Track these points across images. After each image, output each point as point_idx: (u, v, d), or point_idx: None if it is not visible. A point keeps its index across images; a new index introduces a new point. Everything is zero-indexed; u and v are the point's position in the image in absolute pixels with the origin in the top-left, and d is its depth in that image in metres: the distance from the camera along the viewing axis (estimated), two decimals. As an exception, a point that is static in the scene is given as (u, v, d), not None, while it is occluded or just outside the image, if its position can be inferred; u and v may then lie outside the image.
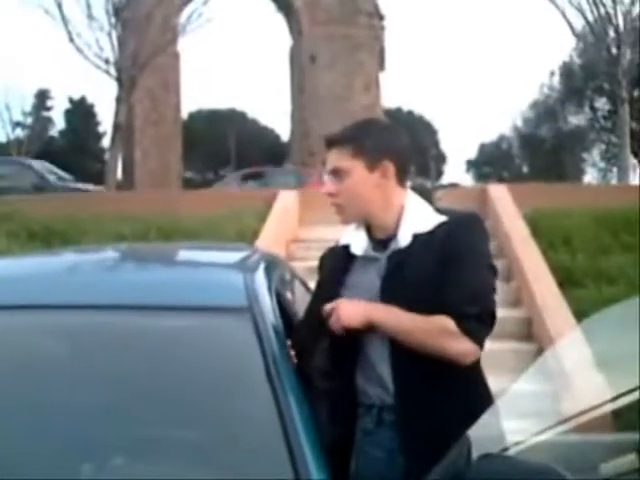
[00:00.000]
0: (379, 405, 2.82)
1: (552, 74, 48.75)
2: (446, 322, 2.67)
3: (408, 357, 2.73)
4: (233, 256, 3.93)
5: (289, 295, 3.51)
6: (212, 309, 2.82)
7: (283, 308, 3.03)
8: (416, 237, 2.83)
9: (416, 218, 2.87)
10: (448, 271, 2.72)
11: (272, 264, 3.59)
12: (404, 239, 2.84)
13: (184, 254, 4.12)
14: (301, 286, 4.20)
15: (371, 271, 2.89)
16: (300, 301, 3.65)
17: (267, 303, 2.88)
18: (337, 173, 2.90)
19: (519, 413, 2.44)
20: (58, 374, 2.70)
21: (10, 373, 2.72)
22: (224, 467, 2.36)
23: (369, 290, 2.85)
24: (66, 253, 4.49)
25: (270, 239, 11.04)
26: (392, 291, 2.78)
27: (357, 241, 2.97)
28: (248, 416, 2.51)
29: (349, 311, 2.76)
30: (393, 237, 2.87)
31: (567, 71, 46.22)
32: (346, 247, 3.00)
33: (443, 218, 2.85)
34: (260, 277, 3.13)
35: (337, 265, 3.00)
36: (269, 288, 3.05)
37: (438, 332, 2.67)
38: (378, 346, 2.81)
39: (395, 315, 2.73)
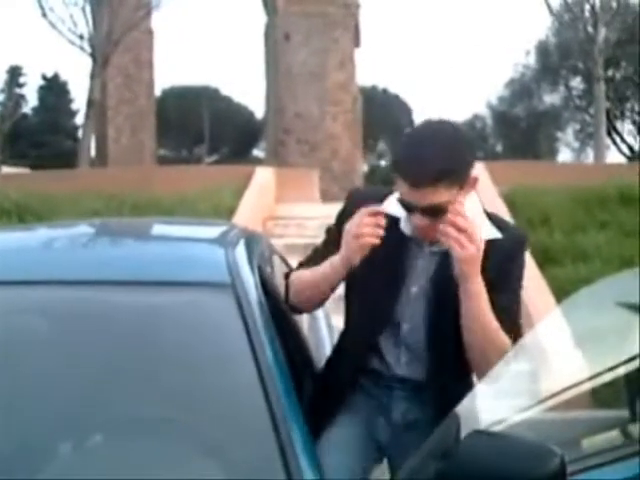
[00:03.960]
0: (388, 375, 2.87)
1: (527, 53, 48.72)
2: (508, 344, 2.65)
3: (444, 337, 2.77)
4: (213, 231, 3.89)
5: (270, 271, 3.47)
6: (194, 284, 2.79)
7: (265, 284, 2.99)
8: None
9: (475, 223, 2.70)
10: (495, 290, 2.65)
11: (252, 240, 3.56)
12: None
13: (163, 229, 4.07)
14: (281, 263, 4.17)
15: (438, 263, 2.79)
16: (280, 277, 3.62)
17: (249, 279, 2.85)
18: (434, 209, 2.59)
19: (502, 392, 2.43)
20: (36, 351, 2.66)
21: None
22: (207, 444, 2.33)
23: (418, 277, 2.81)
24: (43, 228, 4.43)
25: (247, 216, 11.00)
26: (445, 287, 2.71)
27: (404, 220, 2.78)
28: (232, 392, 2.48)
29: (476, 241, 2.55)
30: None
31: (543, 50, 46.19)
32: (390, 216, 2.75)
33: (498, 234, 2.76)
34: (241, 253, 3.10)
35: (389, 236, 2.72)
36: (250, 264, 3.01)
37: (498, 346, 2.62)
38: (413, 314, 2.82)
39: (485, 302, 2.63)
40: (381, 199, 2.83)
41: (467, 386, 2.75)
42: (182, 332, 2.69)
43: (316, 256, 3.03)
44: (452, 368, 2.81)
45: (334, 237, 2.92)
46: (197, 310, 2.76)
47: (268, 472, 2.20)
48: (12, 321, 2.80)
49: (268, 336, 2.57)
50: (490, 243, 2.66)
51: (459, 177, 2.60)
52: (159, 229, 4.10)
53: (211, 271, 2.90)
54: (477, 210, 2.77)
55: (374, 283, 2.81)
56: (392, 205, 2.78)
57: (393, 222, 2.75)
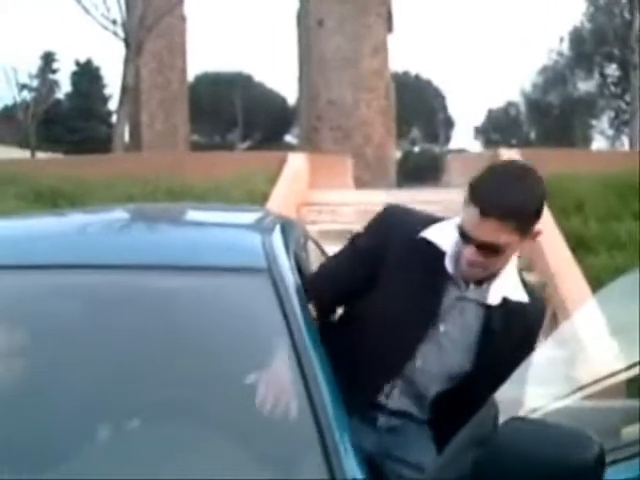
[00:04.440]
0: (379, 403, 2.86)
1: (562, 39, 48.39)
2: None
3: (450, 383, 2.80)
4: (249, 217, 3.89)
5: (305, 256, 3.47)
6: (231, 269, 2.78)
7: (300, 269, 2.98)
8: (504, 300, 2.71)
9: (507, 280, 2.71)
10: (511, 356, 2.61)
11: (287, 226, 3.55)
12: (495, 297, 2.70)
13: (199, 215, 4.07)
14: (316, 248, 4.16)
15: (469, 309, 2.76)
16: (316, 263, 3.62)
17: (285, 264, 2.84)
18: (492, 246, 2.56)
19: (538, 379, 2.41)
20: (73, 334, 2.67)
21: (21, 333, 2.68)
22: (243, 429, 2.32)
23: (469, 331, 2.77)
24: (80, 213, 4.44)
25: (280, 202, 10.98)
26: (492, 345, 2.71)
27: (450, 257, 2.72)
28: (275, 376, 2.46)
29: None
30: (480, 285, 2.71)
31: (577, 36, 45.87)
32: (433, 246, 2.73)
33: (526, 298, 2.75)
34: (277, 238, 3.09)
35: (429, 269, 2.74)
36: (286, 249, 3.01)
37: None
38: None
39: None
40: (422, 225, 2.80)
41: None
42: (219, 317, 2.70)
43: (339, 272, 3.00)
44: (444, 413, 2.80)
45: (361, 255, 2.91)
46: (234, 295, 2.76)
47: (305, 458, 2.19)
48: (48, 305, 2.80)
49: (305, 321, 2.56)
50: (517, 305, 2.70)
51: (527, 223, 2.57)
52: (195, 214, 4.11)
53: (248, 256, 2.90)
54: (512, 269, 2.74)
55: (405, 316, 2.74)
56: (441, 236, 2.74)
57: (438, 255, 2.72)
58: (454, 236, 2.66)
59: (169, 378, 2.48)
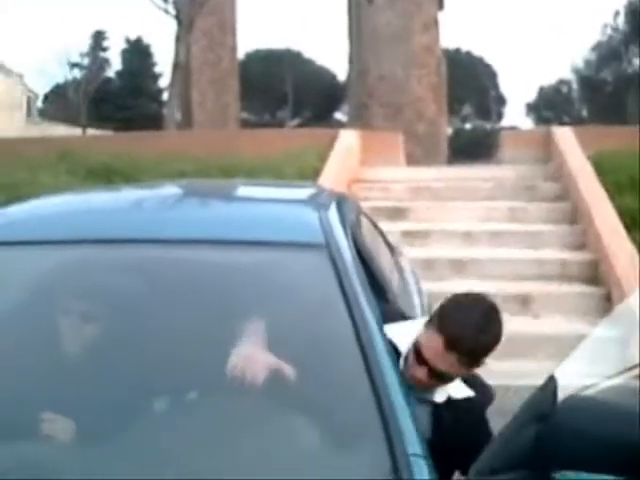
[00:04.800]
0: None
1: (617, 14, 47.84)
2: None
3: None
4: (304, 193, 3.88)
5: (361, 232, 3.44)
6: (289, 245, 2.78)
7: (357, 245, 2.95)
8: (449, 399, 2.74)
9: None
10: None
11: (342, 202, 3.53)
12: (440, 396, 2.73)
13: (256, 191, 4.07)
14: (370, 224, 4.14)
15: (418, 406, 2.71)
16: (370, 238, 3.60)
17: (342, 239, 2.84)
18: (444, 375, 2.63)
19: (592, 358, 2.38)
20: (131, 308, 2.69)
21: (82, 307, 2.68)
22: (305, 403, 2.32)
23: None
24: (149, 188, 4.43)
25: (331, 179, 10.93)
26: (445, 441, 2.63)
27: (403, 358, 2.72)
28: (330, 352, 2.46)
29: None
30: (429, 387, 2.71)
31: (633, 11, 45.26)
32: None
33: (470, 392, 2.77)
34: (333, 214, 3.09)
35: None
36: (343, 225, 2.99)
37: None
38: None
39: None
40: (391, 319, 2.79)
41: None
42: (278, 292, 2.70)
43: None
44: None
45: None
46: (292, 271, 2.76)
47: (366, 430, 2.17)
48: (105, 279, 2.80)
49: (364, 296, 2.55)
50: (463, 401, 2.73)
51: (484, 359, 2.65)
52: (252, 190, 4.11)
53: (306, 232, 2.90)
54: None
55: None
56: (401, 336, 2.73)
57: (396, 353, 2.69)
58: (412, 338, 2.67)
59: (223, 352, 2.46)
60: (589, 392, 2.10)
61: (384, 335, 2.45)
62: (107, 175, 11.24)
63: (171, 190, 3.98)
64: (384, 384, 2.21)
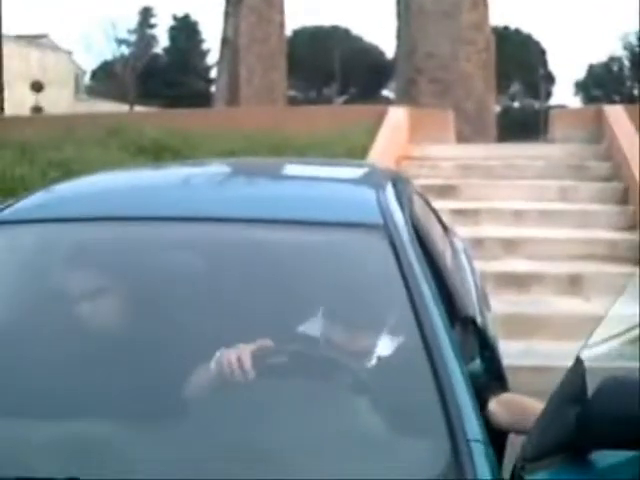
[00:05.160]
0: None
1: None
2: None
3: None
4: (359, 172, 3.84)
5: (417, 211, 3.41)
6: (346, 225, 2.74)
7: (413, 225, 2.91)
8: None
9: None
10: None
11: (398, 180, 3.50)
12: None
13: (310, 170, 4.03)
14: (424, 204, 4.10)
15: None
16: (424, 218, 3.56)
17: (400, 219, 2.79)
18: None
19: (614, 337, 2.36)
20: (183, 287, 2.66)
21: (133, 284, 2.72)
22: (364, 385, 2.30)
23: None
24: (206, 165, 4.42)
25: (380, 156, 10.87)
26: None
27: None
28: (387, 332, 2.43)
29: None
30: None
31: (686, -14, 44.44)
32: None
33: None
34: (390, 193, 3.05)
35: None
36: (400, 204, 2.95)
37: None
38: None
39: None
40: None
41: None
42: (336, 273, 2.67)
43: None
44: None
45: None
46: (350, 251, 2.74)
47: (425, 414, 2.14)
48: (154, 257, 2.82)
49: (423, 276, 2.50)
50: None
51: None
52: (307, 169, 4.07)
53: (363, 212, 2.86)
54: None
55: None
56: None
57: None
58: None
59: (285, 334, 2.47)
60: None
61: (444, 316, 2.41)
62: (157, 152, 11.25)
63: (226, 168, 3.97)
64: (444, 367, 2.16)
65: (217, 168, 3.96)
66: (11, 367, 2.49)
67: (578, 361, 1.94)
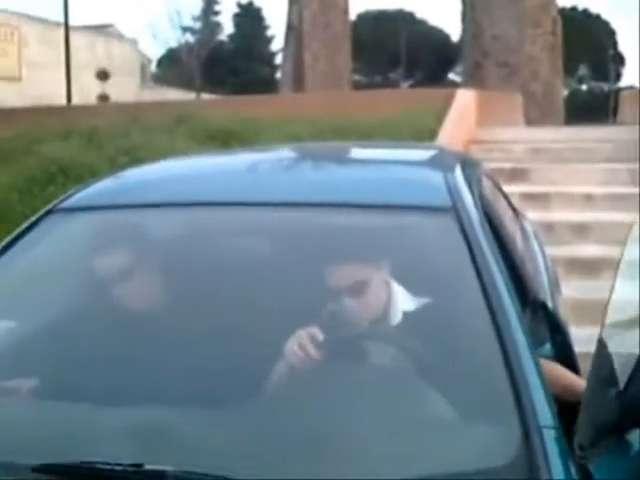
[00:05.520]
0: None
1: None
2: None
3: None
4: (428, 154, 3.79)
5: (487, 195, 3.35)
6: (415, 208, 2.71)
7: (483, 208, 2.86)
8: None
9: None
10: None
11: (467, 163, 3.45)
12: None
13: (377, 153, 3.99)
14: (494, 187, 4.04)
15: None
16: (494, 200, 3.50)
17: (470, 202, 2.74)
18: None
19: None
20: (252, 271, 2.67)
21: (199, 268, 2.73)
22: (434, 370, 2.27)
23: None
24: (270, 151, 4.40)
25: (448, 140, 10.80)
26: None
27: None
28: (459, 320, 2.40)
29: None
30: None
31: None
32: None
33: None
34: (459, 175, 2.99)
35: None
36: (469, 187, 2.90)
37: None
38: None
39: None
40: None
41: None
42: (404, 257, 2.64)
43: None
44: None
45: None
46: (419, 235, 2.70)
47: (496, 399, 2.09)
48: (221, 242, 2.83)
49: (493, 260, 2.45)
50: None
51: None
52: (374, 152, 4.03)
53: (432, 195, 2.81)
54: None
55: None
56: None
57: None
58: None
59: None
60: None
61: (515, 300, 2.35)
62: (224, 138, 11.25)
63: (293, 153, 3.95)
64: (515, 352, 2.11)
65: (283, 153, 3.94)
66: (81, 352, 2.52)
67: (600, 342, 1.94)
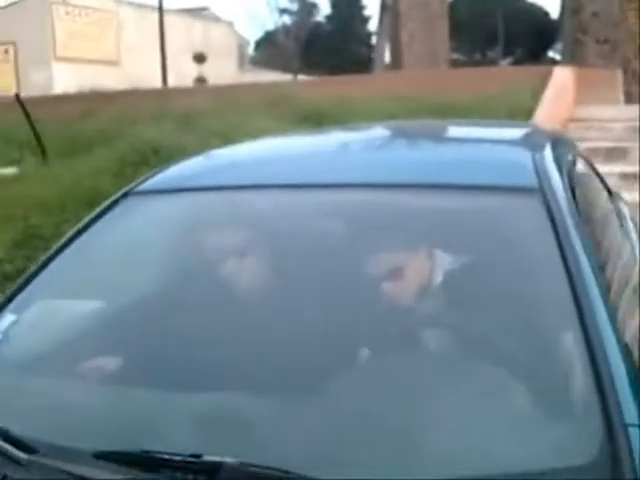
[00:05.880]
0: None
1: None
2: None
3: None
4: (517, 133, 3.67)
5: (579, 175, 3.21)
6: (499, 189, 2.59)
7: (574, 191, 2.72)
8: None
9: None
10: None
11: (559, 142, 3.31)
12: None
13: (465, 131, 3.87)
14: (589, 169, 3.89)
15: None
16: (588, 184, 3.36)
17: (558, 183, 2.59)
18: None
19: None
20: (341, 252, 2.63)
21: (288, 250, 2.69)
22: (515, 362, 2.17)
23: None
24: (360, 130, 4.33)
25: (545, 118, 10.59)
26: None
27: None
28: (543, 308, 2.27)
29: None
30: None
31: None
32: None
33: None
34: (549, 156, 2.87)
35: None
36: (559, 167, 2.77)
37: None
38: None
39: None
40: None
41: None
42: (486, 239, 2.56)
43: None
44: None
45: None
46: (503, 216, 2.60)
47: (579, 394, 1.98)
48: (310, 225, 2.79)
49: (580, 245, 2.31)
50: None
51: None
52: (461, 131, 3.92)
53: (518, 175, 2.68)
54: None
55: None
56: None
57: None
58: None
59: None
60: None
61: (603, 290, 2.21)
62: (318, 119, 11.25)
63: (379, 132, 3.88)
64: (601, 345, 1.99)
65: (370, 132, 3.87)
66: (162, 334, 2.53)
67: None
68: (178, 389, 2.21)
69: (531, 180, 2.58)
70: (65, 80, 29.83)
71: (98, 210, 2.94)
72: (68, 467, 1.91)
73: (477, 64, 48.90)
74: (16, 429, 2.06)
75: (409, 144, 3.52)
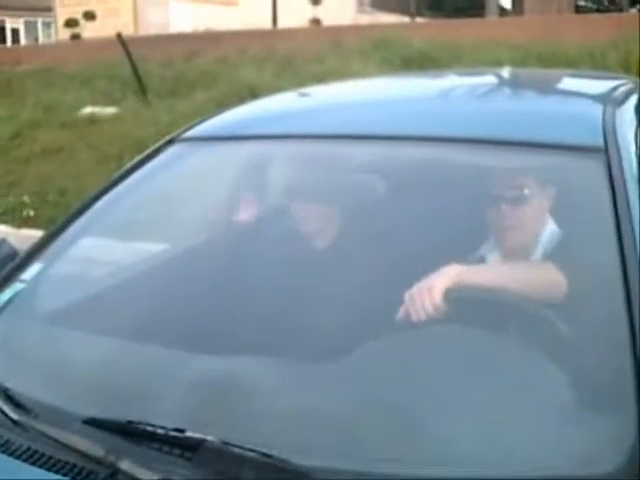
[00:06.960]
0: None
1: None
2: None
3: None
4: (602, 87, 3.36)
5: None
6: (558, 147, 2.34)
7: None
8: None
9: None
10: None
11: None
12: None
13: (545, 84, 3.58)
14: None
15: None
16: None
17: (629, 145, 2.32)
18: None
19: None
20: (387, 210, 2.58)
21: (357, 203, 2.67)
22: (554, 343, 1.97)
23: None
24: (424, 77, 4.18)
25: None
26: None
27: None
28: (589, 288, 2.04)
29: None
30: None
31: None
32: None
33: None
34: (626, 113, 2.58)
35: None
36: (635, 128, 2.49)
37: None
38: None
39: None
40: None
41: None
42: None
43: None
44: None
45: None
46: (558, 178, 2.41)
47: (620, 388, 1.76)
48: (355, 178, 2.72)
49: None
50: None
51: None
52: (541, 83, 3.63)
53: (580, 133, 2.41)
54: None
55: None
56: None
57: None
58: None
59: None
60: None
61: None
62: (421, 63, 11.02)
63: (453, 80, 3.69)
64: None
65: (446, 80, 3.69)
66: (194, 288, 2.53)
67: None
68: (196, 349, 2.15)
69: (595, 139, 2.32)
70: (182, 20, 29.97)
71: (141, 156, 2.89)
72: (52, 433, 1.85)
73: (605, 11, 47.54)
74: (18, 388, 2.04)
75: (481, 95, 3.25)
